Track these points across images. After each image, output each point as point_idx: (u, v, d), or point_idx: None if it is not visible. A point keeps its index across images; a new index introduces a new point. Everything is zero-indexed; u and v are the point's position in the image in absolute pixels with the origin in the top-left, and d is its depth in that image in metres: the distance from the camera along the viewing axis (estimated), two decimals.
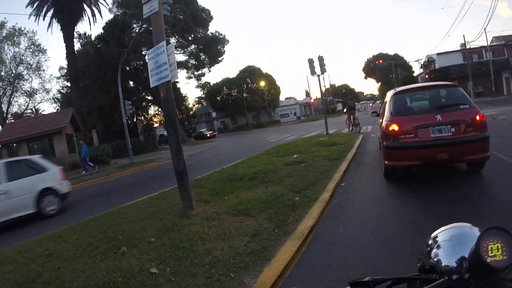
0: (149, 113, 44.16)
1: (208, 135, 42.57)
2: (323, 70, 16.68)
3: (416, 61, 51.81)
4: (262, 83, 54.67)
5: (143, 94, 37.61)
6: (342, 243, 3.66)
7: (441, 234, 0.87)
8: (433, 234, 0.90)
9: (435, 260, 0.83)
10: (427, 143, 5.46)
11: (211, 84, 57.18)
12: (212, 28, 54.57)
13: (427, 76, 43.67)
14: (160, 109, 42.53)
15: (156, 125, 44.71)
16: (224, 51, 40.66)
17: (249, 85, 56.57)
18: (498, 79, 39.17)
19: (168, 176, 10.95)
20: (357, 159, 8.77)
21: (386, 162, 6.00)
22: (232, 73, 66.35)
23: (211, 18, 37.87)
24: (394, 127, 5.66)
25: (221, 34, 39.35)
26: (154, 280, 3.08)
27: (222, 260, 3.31)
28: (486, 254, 0.68)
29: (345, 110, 18.94)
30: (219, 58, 40.74)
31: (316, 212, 4.62)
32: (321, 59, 16.44)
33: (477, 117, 5.47)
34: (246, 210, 4.84)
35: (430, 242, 0.89)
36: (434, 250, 0.85)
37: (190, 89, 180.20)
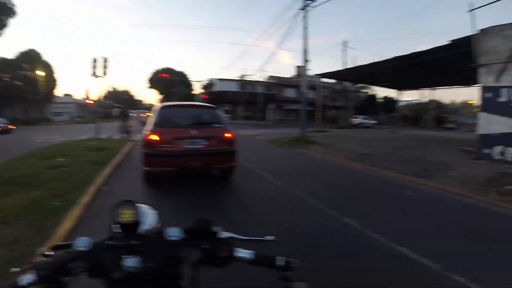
0: None
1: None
2: (105, 72, 16.09)
3: (198, 81, 56.17)
4: (40, 72, 44.64)
5: None
6: None
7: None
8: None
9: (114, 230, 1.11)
10: (183, 152, 6.38)
11: None
12: None
13: (206, 96, 47.42)
14: None
15: None
16: (7, 23, 32.44)
17: (25, 72, 45.01)
18: (265, 108, 49.34)
19: None
20: (123, 165, 9.33)
21: (145, 168, 6.54)
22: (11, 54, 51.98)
23: None
24: (155, 137, 6.35)
25: (11, 3, 31.35)
26: None
27: None
28: (118, 217, 0.99)
29: (119, 117, 18.96)
30: None
31: (77, 215, 4.95)
32: (105, 60, 15.90)
33: (227, 134, 6.78)
34: (2, 218, 4.62)
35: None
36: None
37: None
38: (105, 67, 15.95)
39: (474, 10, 11.74)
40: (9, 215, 4.80)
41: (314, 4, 16.86)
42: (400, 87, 30.66)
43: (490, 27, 11.63)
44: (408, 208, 6.22)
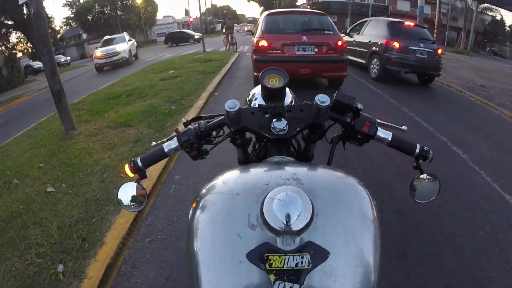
0: (11, 41, 36.00)
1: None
2: None
3: None
4: (138, 0, 47.08)
5: (2, 18, 29.78)
6: None
7: (257, 88, 1.27)
8: (252, 91, 1.35)
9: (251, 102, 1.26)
10: (292, 58, 5.89)
11: (81, 1, 46.84)
12: None
13: (308, 6, 42.93)
14: (23, 35, 34.89)
15: (19, 55, 36.83)
16: None
17: (124, 2, 47.83)
18: None
19: (41, 106, 9.79)
20: (231, 74, 8.99)
21: (255, 73, 6.27)
22: None
23: None
24: (264, 43, 5.94)
25: None
26: (53, 197, 3.08)
27: (111, 165, 3.48)
28: (268, 83, 0.96)
29: (224, 30, 18.16)
30: None
31: (191, 116, 4.95)
32: None
33: (339, 42, 6.03)
34: (127, 122, 4.90)
35: (249, 97, 1.33)
36: (251, 100, 1.28)
37: (55, 9, 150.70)
38: None
39: None
40: (131, 119, 5.09)
41: None
42: None
43: None
44: None
